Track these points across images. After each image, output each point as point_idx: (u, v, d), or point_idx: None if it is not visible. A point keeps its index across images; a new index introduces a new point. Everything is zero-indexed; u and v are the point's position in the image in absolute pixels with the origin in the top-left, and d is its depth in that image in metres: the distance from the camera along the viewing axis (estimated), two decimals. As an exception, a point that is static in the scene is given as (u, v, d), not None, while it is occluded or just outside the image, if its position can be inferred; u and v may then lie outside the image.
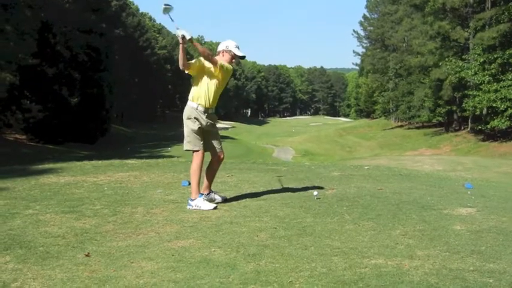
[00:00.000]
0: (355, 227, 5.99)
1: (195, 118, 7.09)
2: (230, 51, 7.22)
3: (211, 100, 7.12)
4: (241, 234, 5.59)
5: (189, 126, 7.13)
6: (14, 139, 46.92)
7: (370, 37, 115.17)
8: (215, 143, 7.37)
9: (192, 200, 7.06)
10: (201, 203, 7.01)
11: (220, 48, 7.33)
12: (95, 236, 5.52)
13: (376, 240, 5.41)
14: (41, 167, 11.35)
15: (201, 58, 7.10)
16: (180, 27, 6.81)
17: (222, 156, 7.45)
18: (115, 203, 7.26)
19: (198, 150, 7.18)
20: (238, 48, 7.25)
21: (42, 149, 42.66)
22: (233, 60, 7.27)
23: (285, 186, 8.81)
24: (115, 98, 68.06)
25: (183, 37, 6.74)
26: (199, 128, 7.11)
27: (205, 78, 7.09)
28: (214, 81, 7.10)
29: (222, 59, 7.18)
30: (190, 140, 7.17)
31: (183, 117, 7.21)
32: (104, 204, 7.13)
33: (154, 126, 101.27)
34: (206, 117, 7.13)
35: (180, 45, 6.86)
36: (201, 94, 7.09)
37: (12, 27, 42.36)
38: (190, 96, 7.20)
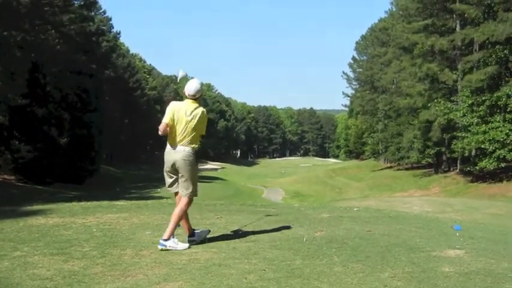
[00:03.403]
0: (343, 269, 5.99)
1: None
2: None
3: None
4: (230, 276, 5.57)
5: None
6: (3, 180, 46.58)
7: (359, 79, 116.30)
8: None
9: (166, 240, 7.07)
10: (175, 244, 7.07)
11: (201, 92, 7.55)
12: (83, 278, 5.49)
13: (365, 283, 5.41)
14: (29, 208, 11.30)
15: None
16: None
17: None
18: (104, 244, 7.22)
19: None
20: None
21: (31, 190, 42.36)
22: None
23: (274, 228, 8.79)
24: (104, 138, 67.98)
25: None
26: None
27: None
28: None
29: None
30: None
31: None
32: (93, 246, 7.09)
33: (143, 167, 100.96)
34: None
35: None
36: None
37: (1, 68, 42.50)
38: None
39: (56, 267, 5.91)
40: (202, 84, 7.61)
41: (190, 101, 7.36)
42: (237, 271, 5.81)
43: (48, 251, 6.71)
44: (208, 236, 7.70)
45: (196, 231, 7.54)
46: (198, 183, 7.52)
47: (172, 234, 7.12)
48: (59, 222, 9.12)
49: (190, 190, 7.30)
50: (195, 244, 7.29)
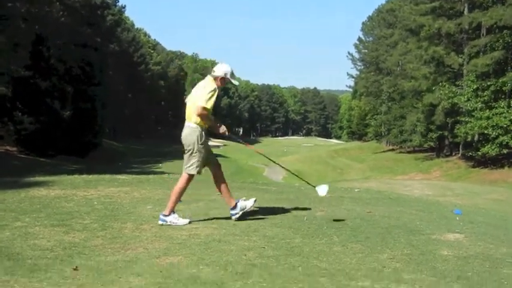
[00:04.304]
0: (343, 249, 6.01)
1: None
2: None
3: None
4: (230, 253, 5.60)
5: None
6: (5, 151, 46.61)
7: (364, 60, 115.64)
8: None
9: (166, 215, 7.05)
10: (176, 220, 7.05)
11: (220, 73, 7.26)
12: (83, 250, 5.52)
13: (364, 263, 5.43)
14: (31, 179, 11.32)
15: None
16: None
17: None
18: (104, 217, 7.25)
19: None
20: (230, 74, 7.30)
21: (33, 162, 42.34)
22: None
23: (275, 206, 8.80)
24: (108, 112, 67.91)
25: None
26: None
27: None
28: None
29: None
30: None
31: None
32: (94, 219, 7.12)
33: (146, 142, 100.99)
34: None
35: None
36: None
37: (5, 39, 42.32)
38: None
39: (57, 239, 5.94)
40: (228, 69, 7.29)
41: (208, 76, 7.32)
42: (236, 247, 5.84)
43: (49, 222, 6.75)
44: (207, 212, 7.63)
45: (239, 202, 7.53)
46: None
47: (172, 210, 7.12)
48: (61, 194, 9.15)
49: (187, 166, 7.16)
50: (237, 217, 7.37)
